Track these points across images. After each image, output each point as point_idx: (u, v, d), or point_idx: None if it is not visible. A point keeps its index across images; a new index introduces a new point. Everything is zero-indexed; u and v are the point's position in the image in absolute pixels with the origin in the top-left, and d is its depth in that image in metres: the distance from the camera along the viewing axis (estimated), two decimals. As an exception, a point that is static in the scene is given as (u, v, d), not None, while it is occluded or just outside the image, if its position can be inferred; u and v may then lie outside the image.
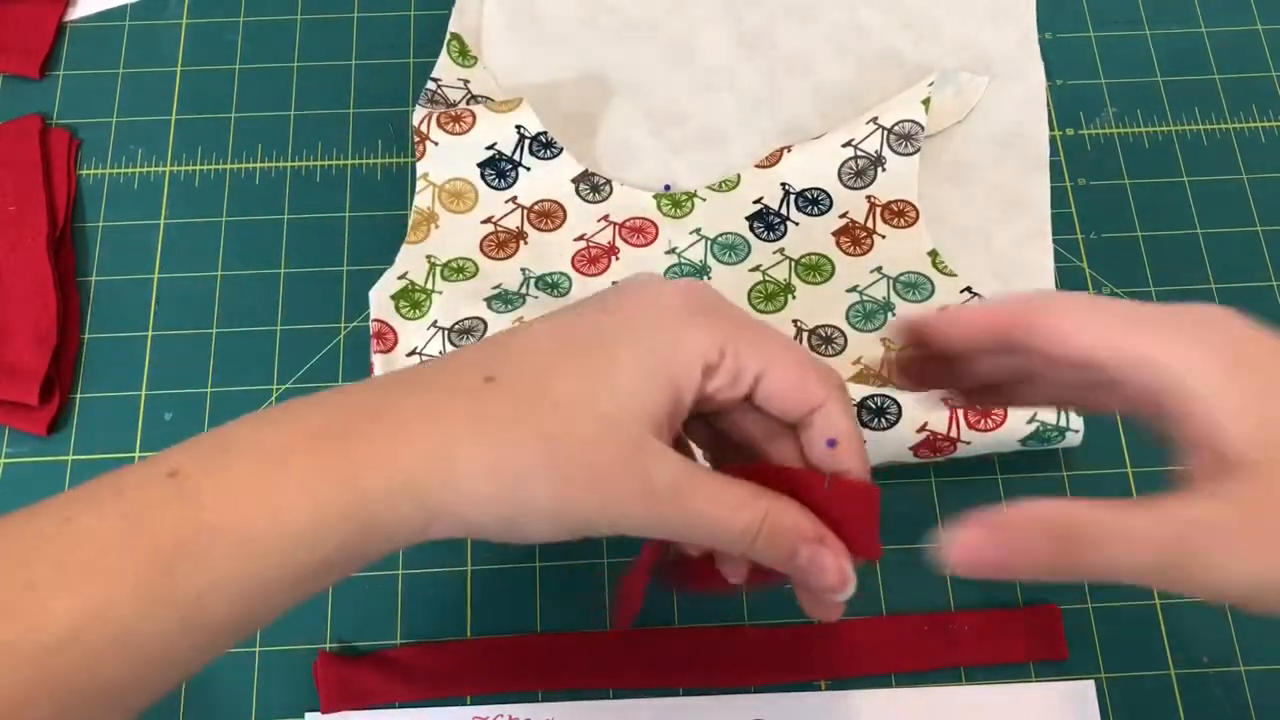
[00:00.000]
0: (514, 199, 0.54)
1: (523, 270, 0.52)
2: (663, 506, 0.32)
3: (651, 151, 0.55)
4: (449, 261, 0.52)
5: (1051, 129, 0.56)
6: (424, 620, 0.47)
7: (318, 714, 0.45)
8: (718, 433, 0.36)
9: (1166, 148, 0.56)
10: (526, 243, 0.53)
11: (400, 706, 0.45)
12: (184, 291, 0.53)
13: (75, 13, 0.59)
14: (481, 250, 0.53)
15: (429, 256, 0.52)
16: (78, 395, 0.51)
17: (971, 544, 0.29)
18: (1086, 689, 0.46)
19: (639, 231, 0.53)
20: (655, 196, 0.54)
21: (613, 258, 0.52)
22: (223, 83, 0.58)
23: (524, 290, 0.51)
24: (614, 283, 0.52)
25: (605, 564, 0.48)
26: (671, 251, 0.53)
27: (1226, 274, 0.53)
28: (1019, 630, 0.46)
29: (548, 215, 0.53)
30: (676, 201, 0.54)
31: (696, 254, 0.53)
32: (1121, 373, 0.31)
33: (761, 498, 0.33)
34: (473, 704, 0.46)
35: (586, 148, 0.55)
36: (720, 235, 0.53)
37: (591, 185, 0.54)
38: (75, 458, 0.49)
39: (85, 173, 0.56)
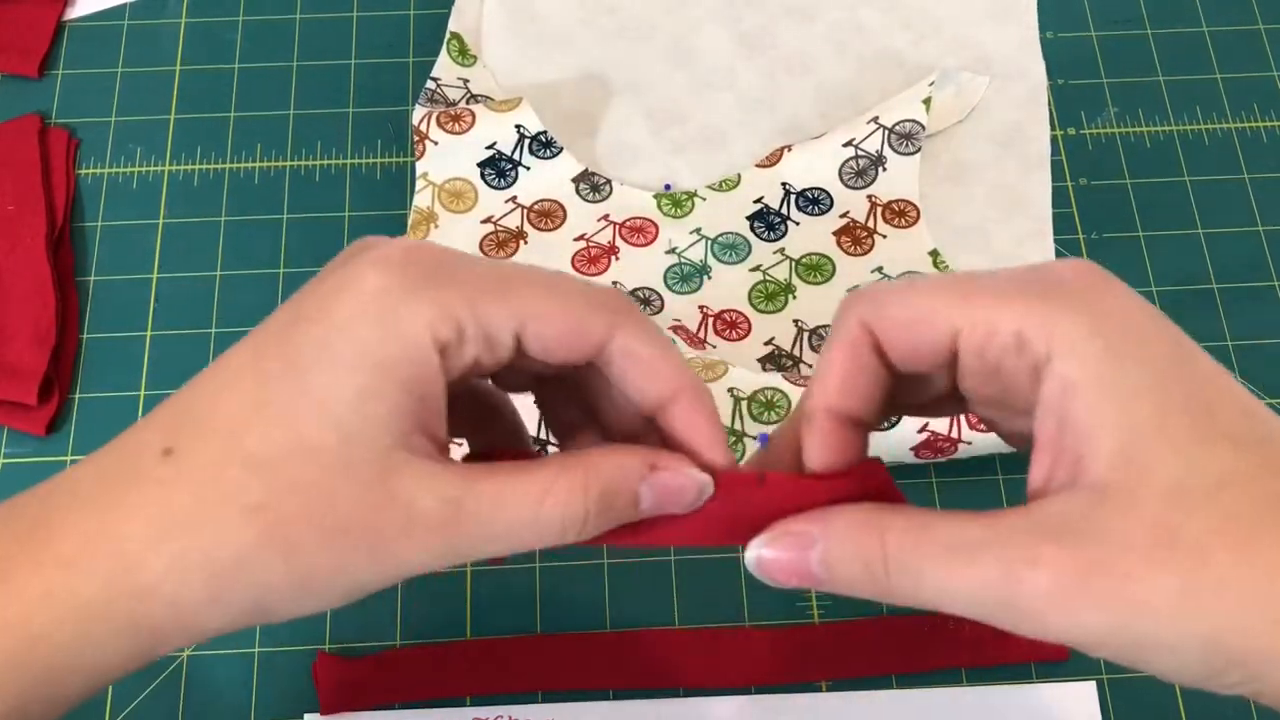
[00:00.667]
0: (514, 198, 0.53)
1: None
2: (442, 534, 0.26)
3: (651, 151, 0.55)
4: None
5: (1052, 128, 0.56)
6: (424, 620, 0.47)
7: (317, 715, 0.45)
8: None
9: (1168, 147, 0.56)
10: (526, 242, 0.53)
11: (400, 707, 0.45)
12: (183, 291, 0.53)
13: (74, 12, 0.59)
14: (481, 250, 0.53)
15: None
16: (76, 395, 0.50)
17: (779, 559, 0.26)
18: (1087, 690, 0.46)
19: (639, 231, 0.53)
20: (655, 196, 0.54)
21: (612, 257, 0.52)
22: (222, 82, 0.58)
23: None
24: (614, 284, 0.52)
25: (605, 564, 0.48)
26: (672, 251, 0.53)
27: (1228, 274, 0.53)
28: (1021, 631, 0.46)
29: (548, 215, 0.53)
30: (676, 201, 0.54)
31: (697, 254, 0.53)
32: (974, 352, 0.26)
33: (569, 464, 0.27)
34: (472, 704, 0.45)
35: (586, 147, 0.55)
36: (720, 235, 0.53)
37: (591, 185, 0.54)
38: (74, 458, 0.49)
39: (84, 172, 0.55)
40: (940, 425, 0.46)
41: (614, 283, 0.51)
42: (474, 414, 0.31)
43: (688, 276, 0.52)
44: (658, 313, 0.51)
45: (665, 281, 0.52)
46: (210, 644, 0.46)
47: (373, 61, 0.58)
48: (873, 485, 0.28)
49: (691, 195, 0.54)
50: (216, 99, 0.57)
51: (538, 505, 0.26)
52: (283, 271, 0.53)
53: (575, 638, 0.46)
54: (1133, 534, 0.24)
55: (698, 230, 0.53)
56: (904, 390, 0.29)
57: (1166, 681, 0.26)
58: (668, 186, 0.54)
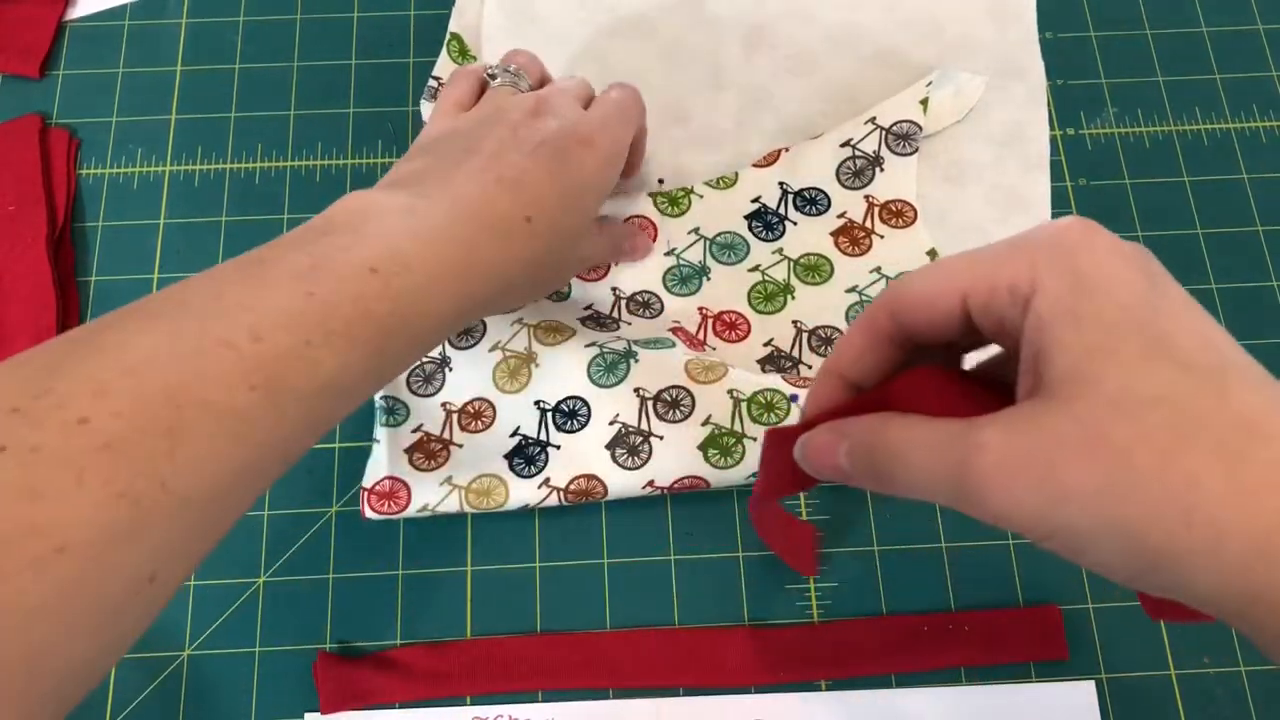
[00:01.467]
0: None
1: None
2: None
3: (651, 151, 0.55)
4: None
5: (1052, 128, 0.56)
6: (424, 620, 0.47)
7: (317, 714, 0.45)
8: None
9: (1167, 147, 0.56)
10: None
11: (400, 707, 0.45)
12: (184, 291, 0.53)
13: (75, 12, 0.59)
14: None
15: None
16: (77, 395, 0.50)
17: (820, 447, 0.32)
18: (1087, 689, 0.46)
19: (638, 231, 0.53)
20: (651, 195, 0.54)
21: (612, 261, 0.52)
22: (222, 82, 0.58)
23: None
24: (613, 289, 0.52)
25: (605, 565, 0.48)
26: (671, 253, 0.53)
27: (1227, 274, 0.53)
28: (1019, 630, 0.46)
29: None
30: (673, 199, 0.54)
31: (696, 254, 0.53)
32: (981, 311, 0.30)
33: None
34: (473, 704, 0.46)
35: (586, 147, 0.55)
36: (719, 234, 0.53)
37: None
38: (75, 458, 0.49)
39: (85, 172, 0.56)
40: None
41: (613, 289, 0.52)
42: None
43: (687, 278, 0.52)
44: (657, 315, 0.51)
45: (665, 283, 0.52)
46: (212, 643, 0.46)
47: (373, 62, 0.58)
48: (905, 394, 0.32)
49: (688, 192, 0.54)
50: (217, 99, 0.57)
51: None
52: (283, 272, 0.53)
53: (575, 638, 0.47)
54: (1068, 433, 0.27)
55: (696, 230, 0.53)
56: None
57: (1104, 577, 0.28)
58: (661, 181, 0.54)
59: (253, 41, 0.59)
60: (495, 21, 0.58)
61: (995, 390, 0.31)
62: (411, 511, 0.47)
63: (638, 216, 0.54)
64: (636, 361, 0.48)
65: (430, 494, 0.47)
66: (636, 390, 0.47)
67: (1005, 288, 0.29)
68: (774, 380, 0.47)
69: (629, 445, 0.47)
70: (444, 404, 0.49)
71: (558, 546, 0.48)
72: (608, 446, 0.47)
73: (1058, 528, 0.27)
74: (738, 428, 0.46)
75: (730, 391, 0.47)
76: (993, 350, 0.33)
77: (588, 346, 0.48)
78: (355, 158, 0.56)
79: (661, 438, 0.47)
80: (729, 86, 0.57)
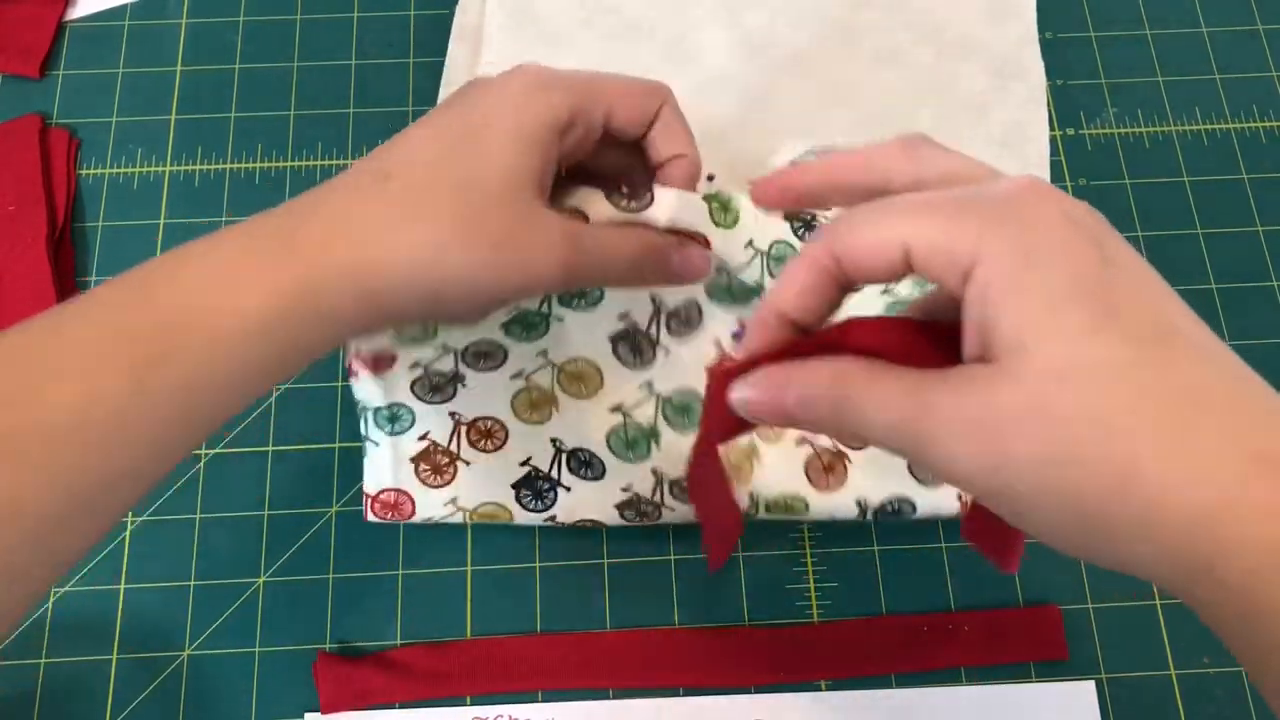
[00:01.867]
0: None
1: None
2: (567, 257, 0.37)
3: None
4: None
5: (1052, 129, 0.56)
6: (424, 620, 0.47)
7: (317, 714, 0.45)
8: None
9: (1167, 148, 0.56)
10: (465, 384, 0.46)
11: (400, 707, 0.45)
12: (184, 291, 0.53)
13: (75, 12, 0.59)
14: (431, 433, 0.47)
15: None
16: (77, 395, 0.50)
17: (768, 390, 0.32)
18: (1087, 689, 0.46)
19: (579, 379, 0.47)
20: (707, 197, 0.44)
21: (553, 408, 0.47)
22: (222, 82, 0.58)
23: (545, 309, 0.45)
24: (653, 297, 0.46)
25: (605, 565, 0.48)
26: (721, 270, 0.45)
27: (1227, 274, 0.53)
28: (1019, 630, 0.46)
29: (486, 355, 0.46)
30: (725, 204, 0.44)
31: (754, 273, 0.45)
32: (922, 266, 0.30)
33: (632, 230, 0.40)
34: (473, 704, 0.45)
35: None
36: (774, 245, 0.45)
37: (525, 324, 0.46)
38: (75, 458, 0.49)
39: (85, 172, 0.56)
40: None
41: (653, 296, 0.46)
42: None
43: (739, 295, 0.46)
44: (697, 329, 0.46)
45: (712, 296, 0.46)
46: (212, 643, 0.46)
47: (373, 62, 0.58)
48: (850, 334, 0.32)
49: (730, 200, 0.44)
50: (217, 99, 0.57)
51: (623, 247, 0.39)
52: (283, 272, 0.53)
53: (575, 638, 0.47)
54: (1011, 402, 0.27)
55: (750, 243, 0.45)
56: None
57: (1046, 544, 0.28)
58: (710, 178, 0.48)
59: (253, 41, 0.59)
60: (496, 21, 0.58)
61: (945, 336, 0.31)
62: (414, 522, 0.47)
63: (683, 232, 0.42)
64: (658, 446, 0.46)
65: (434, 510, 0.46)
66: (654, 470, 0.46)
67: (946, 251, 0.29)
68: (799, 485, 0.46)
69: (640, 511, 0.46)
70: (453, 413, 0.46)
71: (558, 546, 0.48)
72: (618, 507, 0.46)
73: (999, 490, 0.28)
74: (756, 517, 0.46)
75: (751, 494, 0.46)
76: (930, 289, 0.34)
77: (612, 411, 0.46)
78: (355, 157, 0.56)
79: (673, 510, 0.46)
80: (729, 87, 0.57)
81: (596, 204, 0.41)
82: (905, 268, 0.30)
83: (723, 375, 0.33)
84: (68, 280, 0.53)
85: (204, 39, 0.59)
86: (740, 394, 0.32)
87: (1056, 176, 0.55)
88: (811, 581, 0.48)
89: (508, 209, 0.36)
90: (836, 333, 0.31)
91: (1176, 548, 0.26)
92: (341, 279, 0.35)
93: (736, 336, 0.45)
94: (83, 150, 0.56)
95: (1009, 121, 0.56)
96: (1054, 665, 0.46)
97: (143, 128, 0.57)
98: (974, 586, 0.48)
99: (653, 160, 0.42)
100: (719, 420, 0.34)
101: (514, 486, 0.46)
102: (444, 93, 0.56)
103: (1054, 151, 0.56)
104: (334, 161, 0.56)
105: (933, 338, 0.31)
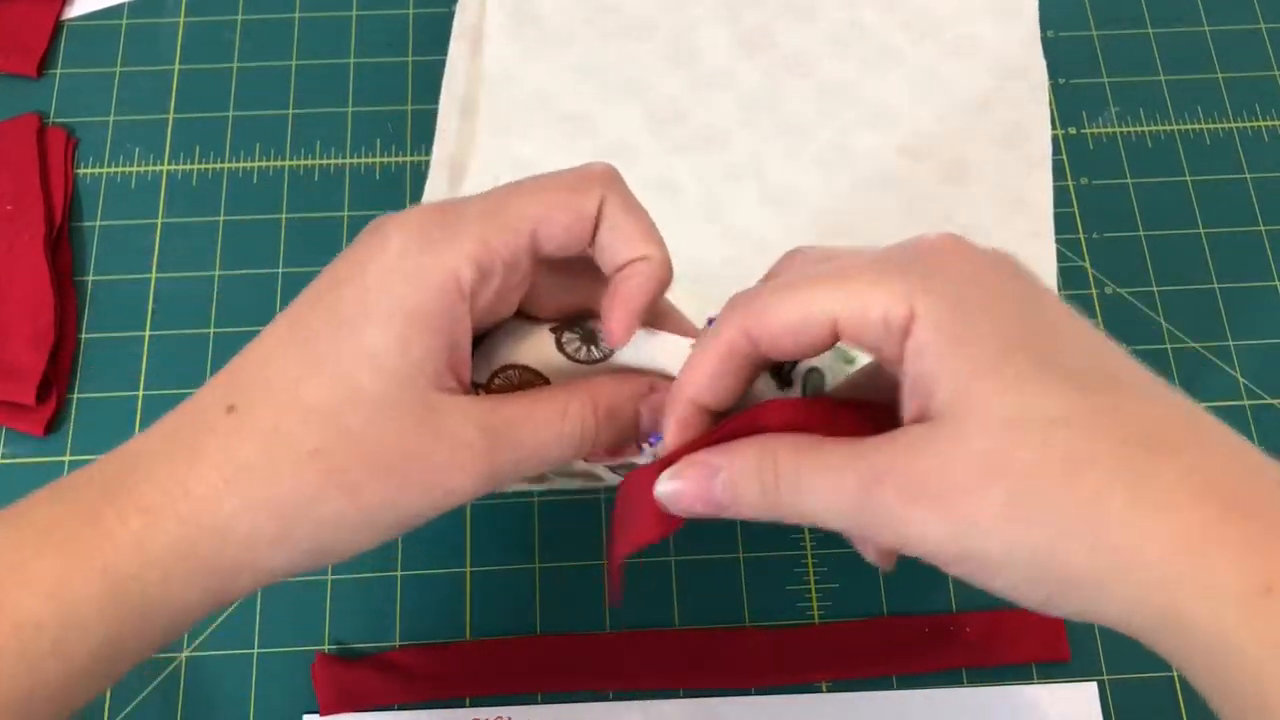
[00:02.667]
0: None
1: None
2: (485, 459, 0.29)
3: (652, 151, 0.55)
4: None
5: (1053, 128, 0.56)
6: (423, 621, 0.47)
7: (316, 716, 0.45)
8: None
9: (1169, 147, 0.56)
10: None
11: (399, 708, 0.45)
12: (182, 291, 0.53)
13: (72, 11, 0.59)
14: None
15: None
16: (75, 395, 0.50)
17: (693, 479, 0.29)
18: (1089, 691, 0.46)
19: None
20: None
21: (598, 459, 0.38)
22: (220, 81, 0.57)
23: None
24: None
25: (605, 565, 0.48)
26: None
27: (1229, 274, 0.53)
28: (1021, 631, 0.46)
29: None
30: None
31: None
32: (854, 338, 0.28)
33: (575, 389, 0.31)
34: (472, 705, 0.45)
35: (586, 148, 0.55)
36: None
37: (583, 333, 0.34)
38: (72, 458, 0.49)
39: (82, 172, 0.55)
40: None
41: None
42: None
43: None
44: None
45: None
46: (210, 644, 0.46)
47: (372, 61, 0.58)
48: (776, 420, 0.30)
49: None
50: (215, 98, 0.57)
51: (560, 423, 0.31)
52: (282, 271, 0.53)
53: (575, 638, 0.46)
54: (964, 459, 0.26)
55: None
56: None
57: (1015, 603, 0.28)
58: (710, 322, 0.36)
59: (251, 40, 0.58)
60: (496, 21, 0.58)
61: (869, 410, 0.30)
62: None
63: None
64: None
65: None
66: None
67: (879, 318, 0.27)
68: None
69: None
70: None
71: (557, 546, 0.48)
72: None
73: (965, 554, 0.27)
74: None
75: None
76: (827, 359, 0.32)
77: None
78: (354, 157, 0.56)
79: None
80: (729, 86, 0.57)
81: (544, 354, 0.33)
82: (830, 340, 0.29)
83: (636, 479, 0.31)
84: (65, 280, 0.52)
85: (202, 37, 0.58)
86: (666, 487, 0.30)
87: (1058, 175, 0.55)
88: (812, 582, 0.48)
89: (394, 421, 0.28)
90: (753, 414, 0.30)
91: (1146, 596, 0.25)
92: (172, 561, 0.28)
93: (652, 441, 0.34)
94: (80, 149, 0.56)
95: (1010, 121, 0.56)
96: (1056, 666, 0.46)
97: (141, 127, 0.56)
98: (975, 587, 0.47)
99: (604, 269, 0.32)
100: (638, 526, 0.31)
101: None
102: (445, 93, 0.56)
103: (1056, 150, 0.56)
104: (332, 161, 0.56)
105: (856, 413, 0.30)
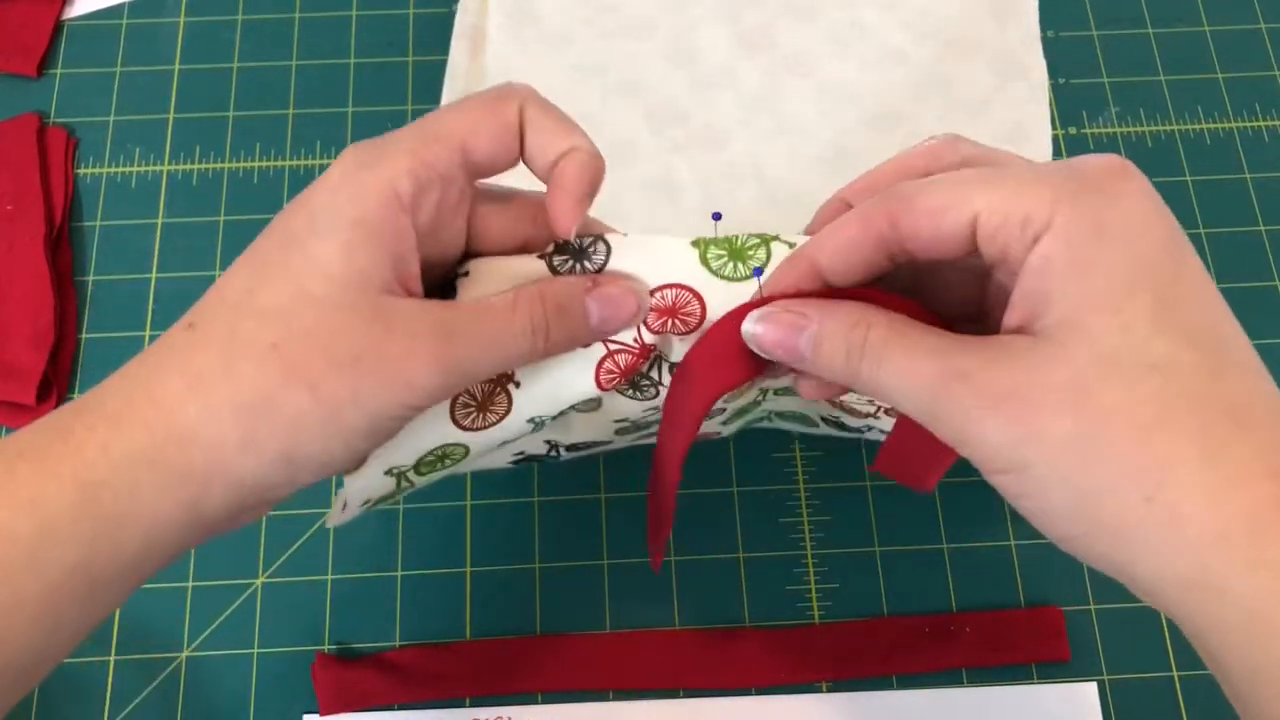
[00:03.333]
0: None
1: (530, 422, 0.36)
2: (440, 350, 0.30)
3: (651, 151, 0.55)
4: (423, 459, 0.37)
5: (1054, 128, 0.56)
6: (423, 622, 0.47)
7: (316, 716, 0.45)
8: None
9: (1169, 147, 0.56)
10: (518, 385, 0.35)
11: (399, 708, 0.45)
12: (182, 291, 0.53)
13: (73, 11, 0.59)
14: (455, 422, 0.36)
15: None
16: (75, 395, 0.50)
17: (782, 324, 0.30)
18: (1089, 690, 0.46)
19: (677, 313, 0.34)
20: (699, 244, 0.34)
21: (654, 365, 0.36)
22: (221, 81, 0.57)
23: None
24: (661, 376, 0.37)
25: (605, 565, 0.48)
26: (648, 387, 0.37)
27: (1229, 274, 0.53)
28: (1021, 631, 0.46)
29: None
30: (737, 250, 0.34)
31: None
32: (989, 237, 0.28)
33: (523, 287, 0.32)
34: (472, 705, 0.45)
35: (586, 147, 0.55)
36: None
37: (573, 253, 0.34)
38: (72, 458, 0.49)
39: (83, 172, 0.55)
40: None
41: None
42: None
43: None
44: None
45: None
46: (210, 644, 0.46)
47: (372, 61, 0.58)
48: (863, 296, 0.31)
49: (765, 240, 0.34)
50: (215, 98, 0.57)
51: (510, 316, 0.31)
52: (282, 271, 0.53)
53: (575, 638, 0.46)
54: (1053, 378, 0.26)
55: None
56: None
57: (1038, 528, 0.28)
58: (717, 218, 0.35)
59: (251, 40, 0.58)
60: (496, 21, 0.58)
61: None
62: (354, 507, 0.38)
63: (676, 285, 0.33)
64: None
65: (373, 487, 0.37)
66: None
67: (1019, 218, 0.27)
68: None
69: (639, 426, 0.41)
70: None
71: (558, 546, 0.48)
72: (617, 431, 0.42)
73: (1016, 466, 0.27)
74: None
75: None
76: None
77: (617, 421, 0.40)
78: (354, 157, 0.56)
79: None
80: (729, 86, 0.57)
81: (533, 275, 0.33)
82: (969, 240, 0.29)
83: (735, 314, 0.31)
84: (66, 280, 0.52)
85: (202, 37, 0.58)
86: (754, 326, 0.31)
87: (1058, 176, 0.55)
88: (812, 582, 0.48)
89: (347, 317, 0.29)
90: (854, 292, 0.30)
91: (1183, 562, 0.26)
92: (141, 468, 0.28)
93: (756, 274, 0.33)
94: (81, 149, 0.56)
95: (1011, 120, 0.56)
96: (1056, 666, 0.46)
97: (141, 127, 0.56)
98: (975, 587, 0.47)
99: (540, 175, 0.33)
100: (724, 363, 0.32)
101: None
102: (446, 92, 0.56)
103: (1056, 151, 0.56)
104: (332, 160, 0.55)
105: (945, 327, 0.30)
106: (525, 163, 0.33)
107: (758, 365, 0.32)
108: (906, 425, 0.34)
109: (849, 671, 0.46)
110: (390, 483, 0.37)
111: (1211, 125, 0.57)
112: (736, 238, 0.34)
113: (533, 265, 0.34)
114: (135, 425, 0.28)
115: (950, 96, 0.56)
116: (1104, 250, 0.27)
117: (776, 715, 0.45)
